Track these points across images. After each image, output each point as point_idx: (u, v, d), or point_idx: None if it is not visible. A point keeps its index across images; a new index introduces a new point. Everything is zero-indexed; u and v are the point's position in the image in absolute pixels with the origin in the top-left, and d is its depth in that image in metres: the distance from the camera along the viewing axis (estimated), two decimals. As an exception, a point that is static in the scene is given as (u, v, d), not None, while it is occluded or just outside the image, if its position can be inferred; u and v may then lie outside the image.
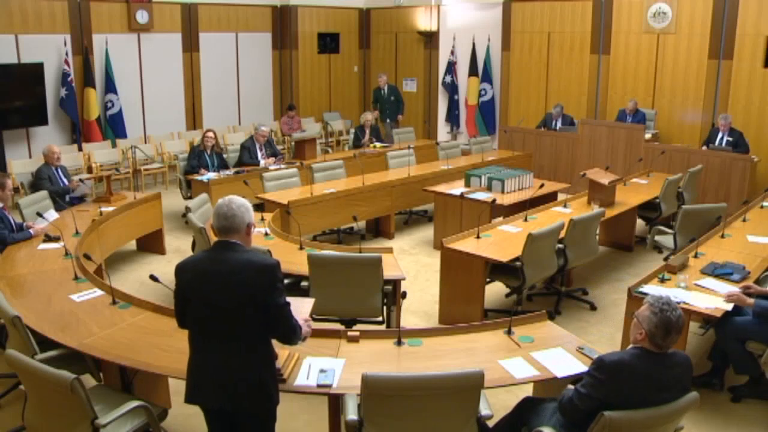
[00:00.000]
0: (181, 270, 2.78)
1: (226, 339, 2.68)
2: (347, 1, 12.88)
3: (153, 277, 3.78)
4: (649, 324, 2.73)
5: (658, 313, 2.73)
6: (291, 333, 2.75)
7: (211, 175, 7.64)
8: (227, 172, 7.83)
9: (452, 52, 12.07)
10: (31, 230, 5.28)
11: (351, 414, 2.88)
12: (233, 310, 2.65)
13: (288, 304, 2.73)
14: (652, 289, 4.25)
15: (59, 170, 6.81)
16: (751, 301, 4.02)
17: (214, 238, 5.06)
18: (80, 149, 9.66)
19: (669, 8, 9.60)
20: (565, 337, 3.60)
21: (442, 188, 7.21)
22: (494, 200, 6.39)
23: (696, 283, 4.36)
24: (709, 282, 4.36)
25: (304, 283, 4.52)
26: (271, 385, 2.79)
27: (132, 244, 7.02)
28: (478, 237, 5.43)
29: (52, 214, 5.79)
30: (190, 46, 11.21)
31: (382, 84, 11.14)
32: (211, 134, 7.98)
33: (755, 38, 8.85)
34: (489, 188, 7.03)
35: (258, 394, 2.73)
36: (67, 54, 9.60)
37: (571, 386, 2.93)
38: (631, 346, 2.85)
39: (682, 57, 9.61)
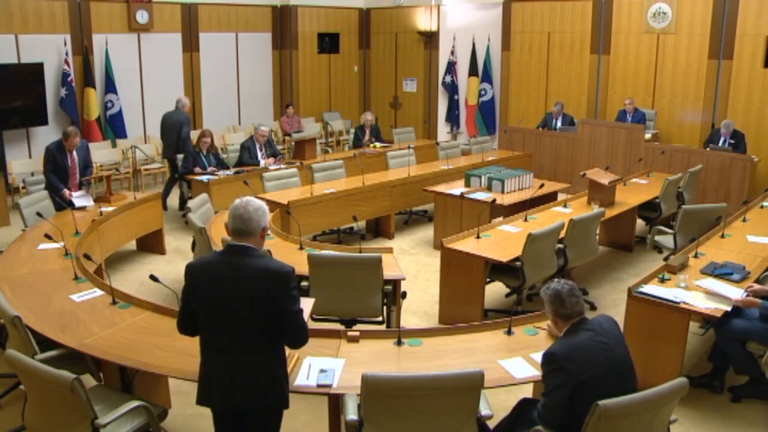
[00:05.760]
0: (192, 271, 2.75)
1: (240, 342, 2.69)
2: (347, 1, 12.87)
3: (153, 277, 3.78)
4: (547, 306, 2.97)
5: (546, 292, 3.00)
6: (304, 338, 2.77)
7: (211, 175, 7.64)
8: (227, 172, 7.83)
9: (452, 52, 12.07)
10: (65, 191, 6.21)
11: (351, 414, 2.89)
12: (247, 316, 2.66)
13: (301, 310, 2.74)
14: (652, 289, 4.24)
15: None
16: (759, 302, 4.03)
17: (215, 239, 5.11)
18: (80, 149, 9.66)
19: (669, 8, 9.60)
20: (565, 337, 3.60)
21: (442, 188, 7.21)
22: (494, 200, 6.39)
23: (696, 283, 4.36)
24: (709, 282, 4.35)
25: (304, 283, 4.52)
26: (284, 384, 2.82)
27: (132, 244, 7.02)
28: (478, 237, 5.43)
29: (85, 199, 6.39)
30: (190, 46, 11.20)
31: None
32: (207, 140, 7.96)
33: (755, 38, 8.86)
34: (489, 188, 7.03)
35: (272, 393, 2.76)
36: (67, 54, 9.59)
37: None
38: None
39: (682, 57, 9.61)
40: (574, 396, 2.75)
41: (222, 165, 8.01)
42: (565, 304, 2.91)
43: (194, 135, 10.76)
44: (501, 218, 6.20)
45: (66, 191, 6.28)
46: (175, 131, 8.42)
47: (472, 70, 11.97)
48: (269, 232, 5.47)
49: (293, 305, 2.68)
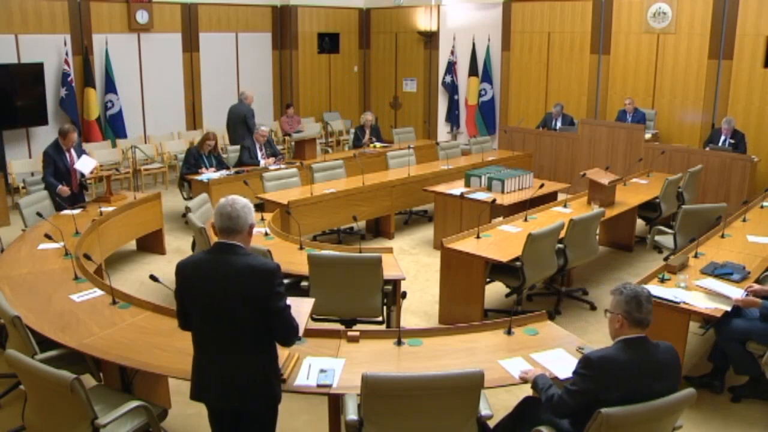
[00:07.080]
0: (181, 270, 2.78)
1: (230, 340, 2.70)
2: (347, 1, 12.87)
3: (153, 277, 3.79)
4: (620, 305, 2.81)
5: (623, 291, 2.83)
6: (292, 335, 2.77)
7: (211, 175, 7.64)
8: (227, 172, 7.82)
9: (452, 52, 12.07)
10: (60, 187, 6.12)
11: (351, 414, 2.89)
12: (234, 314, 2.66)
13: (288, 306, 2.74)
14: (653, 289, 4.23)
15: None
16: (759, 302, 4.03)
17: (214, 238, 5.09)
18: (80, 149, 9.68)
19: (669, 8, 9.60)
20: (566, 338, 3.60)
21: (442, 188, 7.21)
22: (494, 200, 6.39)
23: (696, 283, 4.36)
24: (709, 282, 4.35)
25: (304, 283, 4.52)
26: (276, 383, 2.83)
27: (132, 244, 7.01)
28: (478, 237, 5.43)
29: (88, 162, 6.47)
30: (190, 46, 11.20)
31: None
32: (211, 142, 7.95)
33: (755, 38, 8.86)
34: (489, 188, 7.03)
35: (265, 392, 2.77)
36: (67, 54, 9.60)
37: (554, 385, 2.95)
38: (613, 342, 2.86)
39: (682, 57, 9.61)
40: (593, 407, 2.69)
41: (222, 165, 8.01)
42: (642, 309, 2.77)
43: (193, 135, 10.86)
44: (501, 218, 6.20)
45: (63, 187, 6.19)
46: (240, 122, 9.03)
47: (472, 70, 11.97)
48: (269, 232, 5.51)
49: (280, 302, 2.69)
